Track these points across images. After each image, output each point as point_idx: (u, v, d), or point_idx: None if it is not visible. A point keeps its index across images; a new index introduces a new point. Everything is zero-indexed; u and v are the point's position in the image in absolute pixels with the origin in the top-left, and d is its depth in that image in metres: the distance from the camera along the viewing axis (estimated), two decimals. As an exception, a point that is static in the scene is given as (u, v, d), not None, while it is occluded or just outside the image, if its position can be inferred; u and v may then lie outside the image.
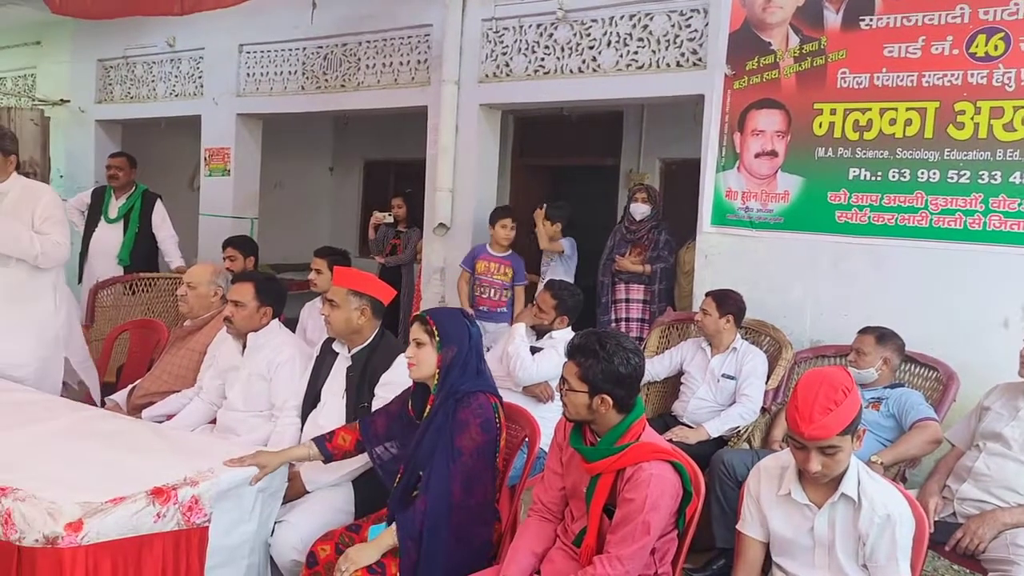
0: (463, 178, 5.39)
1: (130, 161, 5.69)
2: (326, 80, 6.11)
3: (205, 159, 6.88)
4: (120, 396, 3.67)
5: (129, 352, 4.26)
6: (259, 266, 5.15)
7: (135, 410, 3.50)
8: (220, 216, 6.76)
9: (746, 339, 4.02)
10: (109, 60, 7.55)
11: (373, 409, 2.85)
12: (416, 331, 2.49)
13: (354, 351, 2.94)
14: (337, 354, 3.00)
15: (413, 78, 5.67)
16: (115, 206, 5.63)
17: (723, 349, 3.91)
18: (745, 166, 4.32)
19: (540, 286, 5.13)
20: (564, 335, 3.64)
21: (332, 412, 2.92)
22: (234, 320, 3.19)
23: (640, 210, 4.95)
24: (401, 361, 2.88)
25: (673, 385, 4.17)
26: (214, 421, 3.34)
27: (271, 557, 2.61)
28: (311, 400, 3.02)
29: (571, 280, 5.13)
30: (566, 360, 2.18)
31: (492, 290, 5.07)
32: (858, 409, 1.95)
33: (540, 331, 3.67)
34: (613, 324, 4.98)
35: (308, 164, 9.69)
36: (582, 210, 8.19)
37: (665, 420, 3.93)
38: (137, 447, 2.62)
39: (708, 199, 4.44)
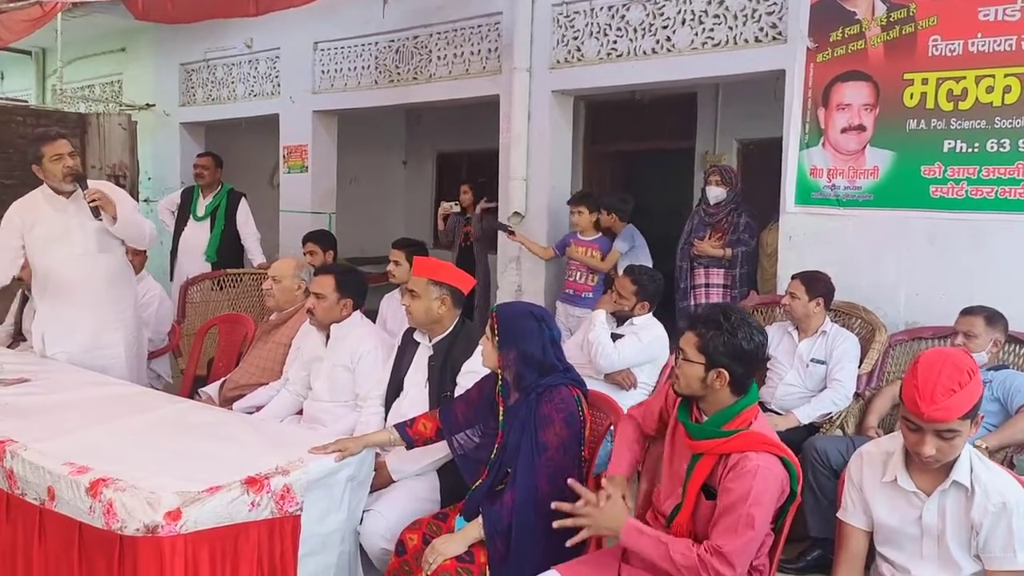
0: (537, 166, 5.36)
1: (215, 160, 5.85)
2: (398, 73, 6.16)
3: (283, 156, 7.03)
4: (212, 388, 3.77)
5: (218, 346, 4.38)
6: (337, 260, 5.21)
7: (226, 402, 3.59)
8: (299, 212, 6.90)
9: (835, 322, 3.88)
10: (191, 63, 7.79)
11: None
12: (488, 324, 2.48)
13: (435, 340, 2.94)
14: (418, 344, 3.02)
15: (484, 67, 5.66)
16: (202, 204, 5.81)
17: (811, 333, 3.78)
18: (831, 142, 4.16)
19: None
20: (645, 322, 3.58)
21: (415, 401, 2.93)
22: (316, 312, 3.24)
23: (715, 193, 4.82)
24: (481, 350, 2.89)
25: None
26: (301, 412, 3.40)
27: (360, 545, 2.64)
28: (394, 390, 3.04)
29: None
30: (686, 330, 2.11)
31: (579, 273, 5.06)
32: (980, 394, 1.84)
33: (620, 317, 3.61)
34: (692, 309, 4.87)
35: (382, 158, 9.81)
36: (657, 195, 8.10)
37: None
38: (230, 437, 2.68)
39: (791, 178, 4.29)
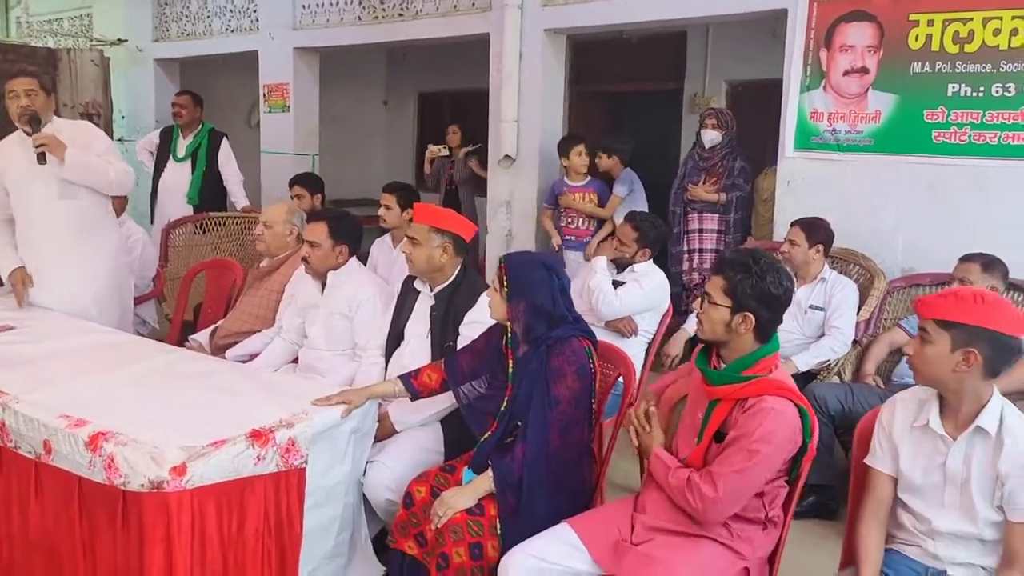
0: (528, 108, 5.23)
1: (194, 99, 5.65)
2: (383, 9, 5.95)
3: (264, 95, 6.82)
4: (202, 336, 3.69)
5: (206, 292, 4.28)
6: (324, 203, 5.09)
7: (218, 350, 3.52)
8: (281, 153, 6.72)
9: (833, 269, 3.86)
10: (163, -3, 7.49)
11: (458, 348, 2.80)
12: (495, 274, 2.41)
13: (436, 289, 2.87)
14: (419, 292, 2.95)
15: (474, 4, 5.48)
16: (183, 145, 5.62)
17: (810, 280, 3.75)
18: (832, 85, 4.08)
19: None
20: (646, 268, 3.53)
21: (417, 351, 2.88)
22: (311, 260, 3.15)
23: (710, 136, 4.74)
24: (484, 299, 2.82)
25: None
26: (296, 360, 3.34)
27: (364, 496, 2.61)
28: (394, 339, 2.98)
29: None
30: (712, 274, 2.07)
31: (580, 219, 4.98)
32: (979, 323, 1.80)
33: (621, 264, 3.56)
34: (685, 255, 4.84)
35: (362, 98, 9.56)
36: (643, 138, 7.96)
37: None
38: (228, 388, 2.61)
39: (791, 121, 4.22)
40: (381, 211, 4.34)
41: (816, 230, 3.70)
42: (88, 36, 7.95)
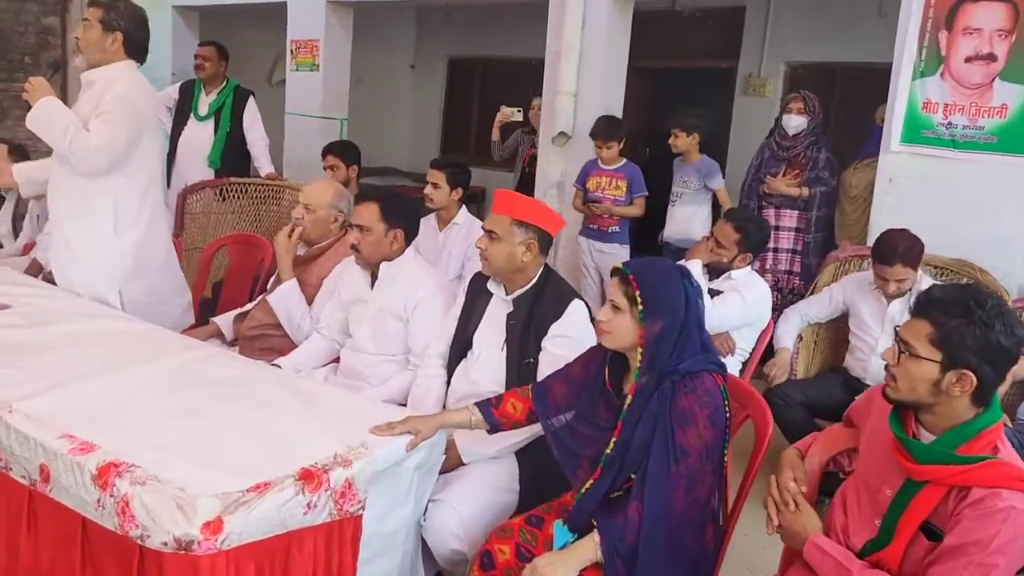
0: (588, 81, 4.72)
1: (219, 51, 5.12)
2: (429, -38, 5.41)
3: (291, 52, 6.28)
4: (224, 320, 3.23)
5: (228, 268, 3.82)
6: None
7: (245, 340, 3.07)
8: (307, 116, 6.21)
9: (941, 280, 3.39)
10: (186, -61, 6.92)
11: (541, 366, 2.35)
12: (614, 290, 1.93)
13: (515, 294, 2.41)
14: (491, 296, 2.48)
15: (532, -38, 4.95)
16: (205, 102, 5.11)
17: (903, 293, 3.28)
18: (951, 72, 3.57)
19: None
20: (746, 277, 3.06)
21: (488, 367, 2.42)
22: (361, 248, 2.68)
23: (795, 122, 4.25)
24: (575, 308, 2.37)
25: (837, 332, 3.59)
26: (336, 360, 2.89)
27: (423, 540, 2.17)
28: (459, 349, 2.52)
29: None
30: (912, 316, 1.61)
31: (604, 207, 4.47)
32: None
33: (716, 270, 3.08)
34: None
35: (388, 60, 9.01)
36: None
37: (846, 379, 3.34)
38: (269, 405, 2.16)
39: (899, 111, 3.71)
40: (428, 189, 3.87)
41: (912, 255, 3.14)
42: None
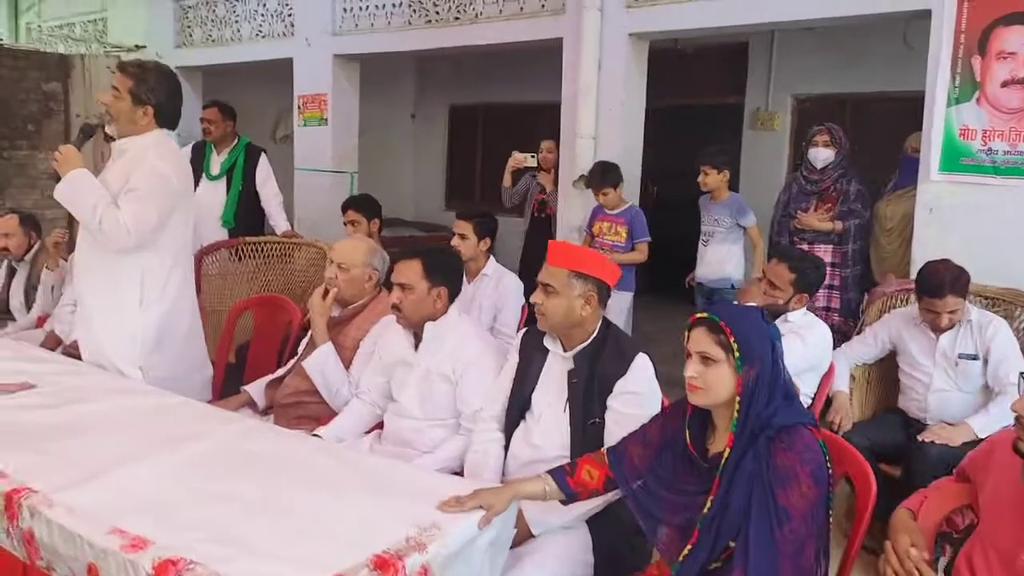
0: (606, 123, 4.65)
1: (223, 111, 5.03)
2: (436, 12, 5.38)
3: (299, 107, 6.24)
4: (256, 388, 3.09)
5: (254, 332, 3.67)
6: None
7: (281, 409, 2.93)
8: (317, 170, 6.13)
9: (992, 310, 3.28)
10: (187, 0, 6.91)
11: (608, 426, 2.21)
12: (702, 341, 1.80)
13: (575, 350, 2.28)
14: (548, 352, 2.35)
15: (543, 5, 4.91)
16: (216, 162, 5.01)
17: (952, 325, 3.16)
18: (988, 98, 3.51)
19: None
20: (804, 319, 2.94)
21: (551, 429, 2.28)
22: (403, 307, 2.55)
23: (822, 156, 4.17)
24: (640, 363, 2.24)
25: (888, 369, 3.45)
26: (380, 426, 2.75)
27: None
28: (517, 410, 2.38)
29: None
30: None
31: (603, 253, 4.32)
32: None
33: (771, 313, 2.94)
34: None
35: (389, 110, 8.98)
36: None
37: (905, 420, 3.20)
38: (322, 481, 2.01)
39: (936, 140, 3.64)
40: (455, 241, 3.74)
41: (960, 284, 3.05)
42: (102, 42, 7.40)
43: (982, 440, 2.92)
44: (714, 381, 1.78)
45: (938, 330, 3.10)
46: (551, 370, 2.34)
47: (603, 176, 4.35)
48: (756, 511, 1.69)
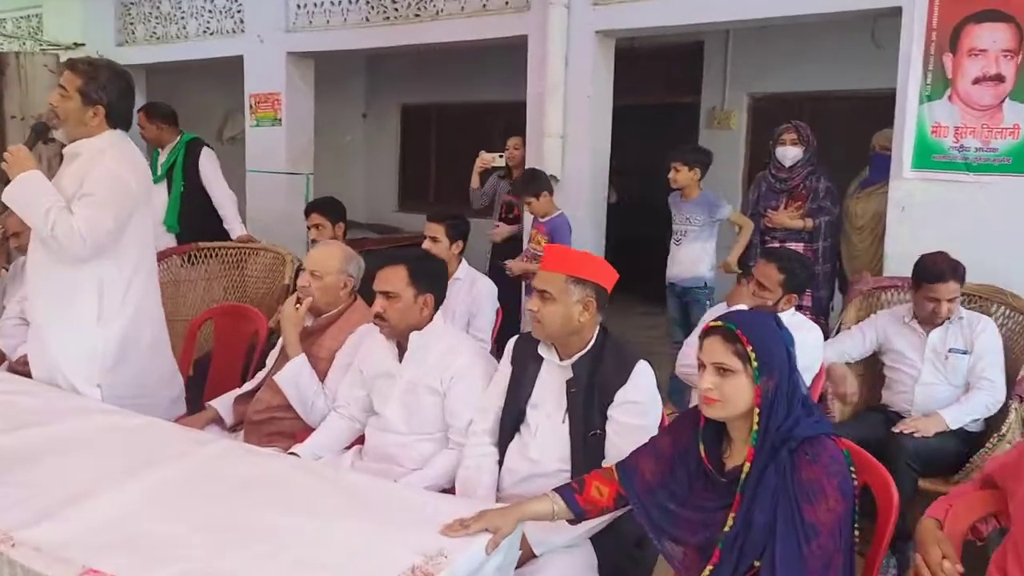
0: (575, 122, 4.56)
1: (147, 114, 4.70)
2: (395, 9, 5.23)
3: (251, 106, 6.01)
4: (223, 404, 2.91)
5: (215, 343, 3.49)
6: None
7: (251, 424, 2.77)
8: (270, 172, 5.92)
9: (971, 308, 3.29)
10: (128, -6, 6.63)
11: (609, 437, 2.12)
12: (717, 351, 1.72)
13: (573, 359, 2.18)
14: (542, 361, 2.24)
15: (507, 2, 4.80)
16: (159, 164, 4.76)
17: (942, 321, 3.17)
18: (960, 95, 3.52)
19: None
20: (794, 320, 2.89)
21: (549, 441, 2.18)
22: (387, 316, 2.42)
23: (790, 154, 4.15)
24: (641, 371, 2.15)
25: (866, 371, 3.44)
26: (360, 441, 2.61)
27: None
28: (512, 422, 2.27)
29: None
30: None
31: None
32: None
33: (760, 313, 2.90)
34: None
35: (339, 109, 8.76)
36: (655, 156, 7.42)
37: (887, 417, 3.19)
38: (314, 508, 1.87)
39: (909, 137, 3.63)
40: (426, 244, 3.62)
41: (958, 271, 3.08)
42: (37, 39, 7.04)
43: (954, 431, 2.97)
44: (732, 393, 1.70)
45: (937, 318, 3.10)
46: (547, 380, 2.23)
47: (526, 184, 4.23)
48: (782, 528, 1.62)
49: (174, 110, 4.84)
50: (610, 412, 2.12)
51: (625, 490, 1.86)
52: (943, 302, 3.01)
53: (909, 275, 3.54)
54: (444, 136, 8.94)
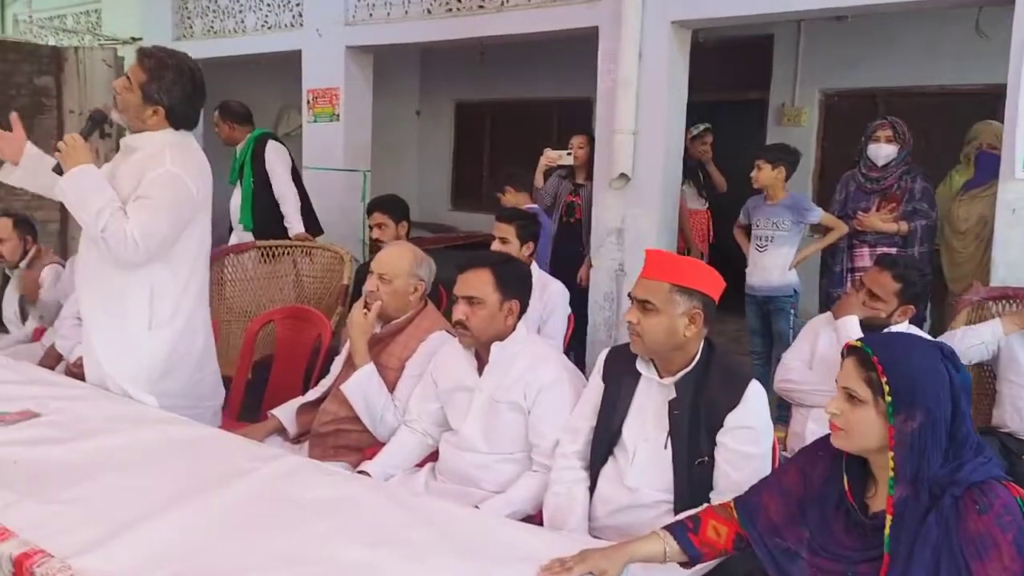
0: (648, 118, 4.32)
1: (223, 115, 4.61)
2: (459, 0, 5.04)
3: (308, 102, 5.88)
4: (285, 413, 2.75)
5: (277, 348, 3.33)
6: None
7: (317, 437, 2.60)
8: (328, 169, 5.78)
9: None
10: (187, -12, 6.56)
11: (719, 466, 1.90)
12: (850, 374, 1.50)
13: (676, 377, 1.96)
14: (639, 377, 2.03)
15: (577, -8, 4.58)
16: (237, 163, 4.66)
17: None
18: (1081, 89, 3.22)
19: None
20: (907, 331, 2.63)
21: (648, 469, 1.96)
22: (470, 324, 2.23)
23: (884, 152, 3.86)
24: (754, 392, 1.92)
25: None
26: (434, 457, 2.42)
27: None
28: (605, 445, 2.05)
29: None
30: None
31: None
32: None
33: (871, 326, 2.65)
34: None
35: (392, 106, 8.61)
36: (724, 154, 7.14)
37: (1003, 443, 2.90)
38: (398, 538, 1.68)
39: (1020, 135, 3.34)
40: (496, 245, 3.44)
41: None
42: (96, 34, 7.02)
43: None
44: (857, 424, 1.48)
45: None
46: (644, 399, 2.02)
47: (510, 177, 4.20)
48: (947, 587, 1.38)
49: (248, 109, 4.73)
50: (720, 438, 1.90)
51: (746, 532, 1.64)
52: None
53: (1021, 284, 3.28)
54: (498, 134, 8.77)
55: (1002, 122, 3.51)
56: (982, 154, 3.88)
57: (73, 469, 2.00)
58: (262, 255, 4.35)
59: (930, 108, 5.86)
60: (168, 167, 2.43)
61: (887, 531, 1.45)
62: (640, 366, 2.02)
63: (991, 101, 5.72)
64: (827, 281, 4.10)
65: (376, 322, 2.63)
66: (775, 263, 3.94)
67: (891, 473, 1.46)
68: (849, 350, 1.54)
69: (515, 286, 2.26)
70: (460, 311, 2.22)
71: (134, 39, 6.75)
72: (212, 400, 2.83)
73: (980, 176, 3.86)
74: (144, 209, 2.38)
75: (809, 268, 4.20)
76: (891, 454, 1.45)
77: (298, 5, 5.86)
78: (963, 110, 5.55)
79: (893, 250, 3.84)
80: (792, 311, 3.93)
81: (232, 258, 4.45)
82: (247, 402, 3.26)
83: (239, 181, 4.60)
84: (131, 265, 2.43)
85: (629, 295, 1.98)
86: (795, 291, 3.94)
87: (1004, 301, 3.26)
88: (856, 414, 1.49)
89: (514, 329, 2.27)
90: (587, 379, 2.23)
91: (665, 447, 1.95)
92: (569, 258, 4.46)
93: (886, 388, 1.45)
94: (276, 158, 4.64)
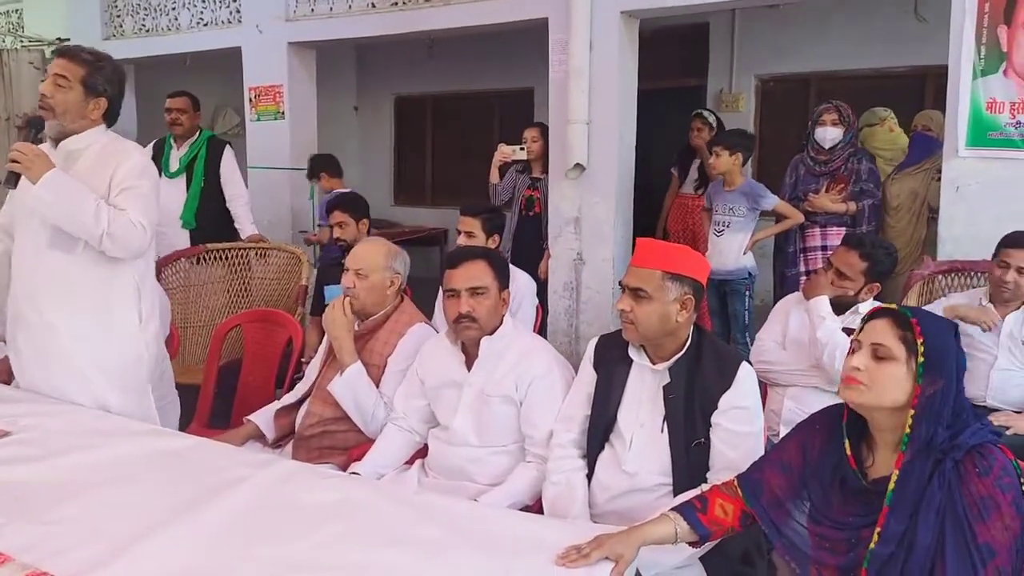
0: (600, 108, 4.37)
1: (193, 102, 4.54)
2: (404, -7, 5.00)
3: (250, 100, 5.74)
4: (263, 418, 2.69)
5: (245, 351, 3.26)
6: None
7: (301, 439, 2.56)
8: (273, 168, 5.66)
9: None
10: (115, -14, 6.33)
11: (715, 446, 1.94)
12: (882, 331, 1.56)
13: (669, 362, 1.99)
14: (631, 364, 2.06)
15: (526, -17, 4.59)
16: (176, 157, 4.52)
17: (1015, 306, 3.04)
18: (1016, 69, 3.37)
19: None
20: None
21: (646, 453, 2.00)
22: (478, 316, 2.21)
23: (830, 135, 3.98)
24: (746, 373, 1.97)
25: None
26: (422, 453, 2.42)
27: None
28: (601, 433, 2.08)
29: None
30: None
31: None
32: None
33: (839, 305, 2.73)
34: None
35: (330, 103, 8.47)
36: (661, 141, 7.23)
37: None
38: (406, 536, 1.68)
39: (963, 115, 3.48)
40: (461, 239, 3.42)
41: None
42: (18, 35, 6.72)
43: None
44: (883, 380, 1.53)
45: (1004, 287, 2.95)
46: (638, 385, 2.05)
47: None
48: (952, 551, 1.44)
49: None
50: (715, 419, 1.95)
51: (752, 508, 1.68)
52: (1011, 269, 2.89)
53: (966, 258, 3.43)
54: (439, 127, 8.73)
55: (933, 103, 3.66)
56: (917, 135, 4.04)
57: (55, 488, 1.93)
58: (213, 258, 4.25)
59: (863, 91, 6.06)
60: (137, 157, 2.44)
61: (891, 486, 1.51)
62: (632, 353, 2.05)
63: (922, 82, 5.98)
64: (780, 262, 4.23)
65: (353, 319, 2.60)
66: (731, 247, 4.03)
67: (907, 430, 1.52)
68: (880, 312, 1.60)
69: (506, 276, 2.29)
70: (465, 304, 2.20)
71: (60, 39, 6.48)
72: (172, 392, 2.81)
73: (914, 155, 4.02)
74: (136, 197, 2.38)
75: (763, 250, 4.31)
76: (912, 412, 1.51)
77: (235, 1, 5.72)
78: (896, 92, 5.77)
79: (842, 229, 3.98)
80: (747, 293, 4.03)
81: (183, 262, 4.34)
82: (216, 408, 3.19)
83: (185, 178, 4.47)
84: (137, 253, 2.42)
85: (620, 284, 2.01)
86: (750, 274, 4.04)
87: (952, 274, 3.40)
88: (884, 370, 1.54)
89: (501, 322, 2.28)
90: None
91: (661, 431, 1.98)
92: (530, 252, 4.47)
93: (921, 348, 1.51)
94: (235, 164, 4.63)
